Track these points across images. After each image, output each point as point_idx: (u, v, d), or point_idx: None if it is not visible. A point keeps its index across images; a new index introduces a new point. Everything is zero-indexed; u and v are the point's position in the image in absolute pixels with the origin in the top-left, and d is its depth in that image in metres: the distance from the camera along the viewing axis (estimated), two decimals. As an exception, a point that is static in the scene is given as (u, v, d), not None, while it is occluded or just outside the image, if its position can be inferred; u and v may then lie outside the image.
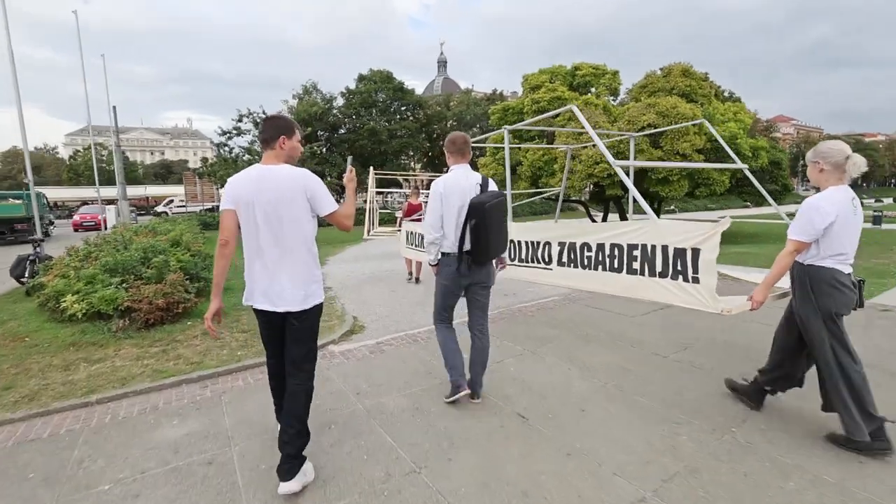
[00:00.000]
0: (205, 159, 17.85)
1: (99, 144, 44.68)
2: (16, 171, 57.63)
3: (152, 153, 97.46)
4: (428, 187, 6.79)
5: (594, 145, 14.26)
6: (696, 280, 2.89)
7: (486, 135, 7.69)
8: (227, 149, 17.19)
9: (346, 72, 40.25)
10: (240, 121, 16.88)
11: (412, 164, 38.47)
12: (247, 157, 17.20)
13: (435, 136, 37.79)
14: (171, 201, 38.66)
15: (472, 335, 3.03)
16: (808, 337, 2.48)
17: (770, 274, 2.54)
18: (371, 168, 10.76)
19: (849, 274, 2.40)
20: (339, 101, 32.81)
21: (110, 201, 31.10)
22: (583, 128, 4.07)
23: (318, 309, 2.24)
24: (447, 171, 2.96)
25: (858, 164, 2.34)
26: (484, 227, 2.69)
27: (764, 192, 4.76)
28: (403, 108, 35.01)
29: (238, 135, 16.97)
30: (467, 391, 2.96)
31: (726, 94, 18.87)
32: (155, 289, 5.10)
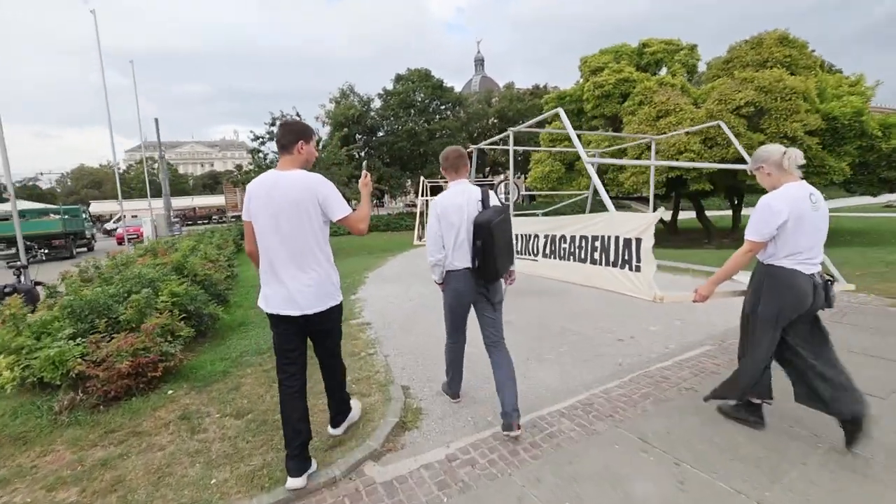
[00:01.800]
0: (239, 166, 16.77)
1: (150, 158, 46.09)
2: (80, 187, 61.11)
3: (202, 165, 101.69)
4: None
5: (675, 130, 11.95)
6: (637, 269, 3.12)
7: (535, 119, 6.75)
8: (261, 155, 16.03)
9: (384, 80, 39.80)
10: (272, 125, 15.72)
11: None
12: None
13: (476, 134, 35.96)
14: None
15: (490, 354, 2.85)
16: (751, 331, 2.51)
17: (720, 270, 2.56)
18: (422, 177, 9.20)
19: (811, 275, 2.34)
20: (377, 104, 31.68)
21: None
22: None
23: (338, 308, 2.40)
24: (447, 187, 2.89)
25: (794, 157, 2.36)
26: (491, 245, 2.60)
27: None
28: (443, 108, 33.43)
29: (271, 139, 15.73)
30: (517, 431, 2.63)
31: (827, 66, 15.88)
32: (119, 345, 3.55)
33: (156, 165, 51.81)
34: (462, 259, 2.73)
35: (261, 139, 15.90)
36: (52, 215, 17.34)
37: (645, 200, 17.77)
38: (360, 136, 29.85)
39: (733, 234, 16.03)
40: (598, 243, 3.52)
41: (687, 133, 11.59)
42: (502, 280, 2.86)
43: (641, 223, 3.10)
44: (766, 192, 2.43)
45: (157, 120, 27.26)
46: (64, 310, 4.09)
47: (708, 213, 16.25)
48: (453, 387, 3.21)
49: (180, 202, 49.77)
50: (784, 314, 2.36)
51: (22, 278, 6.00)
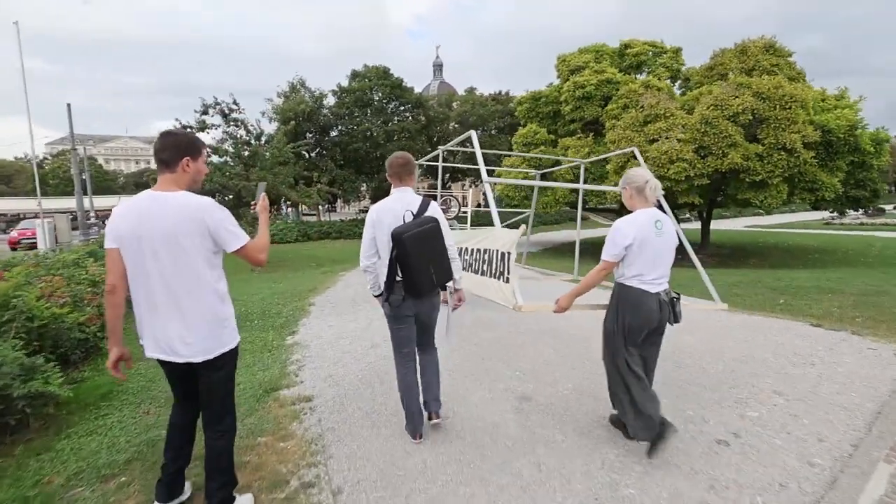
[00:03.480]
0: (161, 161, 13.99)
1: (66, 152, 40.83)
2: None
3: (137, 162, 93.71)
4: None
5: (668, 137, 10.85)
6: (507, 280, 3.39)
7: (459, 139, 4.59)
8: (189, 148, 13.34)
9: (341, 79, 37.39)
10: (205, 113, 13.17)
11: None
12: (213, 157, 13.43)
13: (436, 139, 34.41)
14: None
15: (419, 355, 2.88)
16: (604, 345, 2.74)
17: (578, 286, 2.74)
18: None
19: (656, 293, 2.50)
20: (331, 100, 29.35)
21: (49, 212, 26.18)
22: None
23: (230, 355, 2.00)
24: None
25: (655, 187, 2.51)
26: (404, 257, 2.46)
27: None
28: (402, 109, 31.61)
29: (202, 129, 13.18)
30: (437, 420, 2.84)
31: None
32: None
33: (79, 159, 46.16)
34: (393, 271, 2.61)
35: (189, 129, 13.31)
36: None
37: (610, 211, 16.86)
38: (310, 135, 27.38)
39: (704, 250, 15.34)
40: (486, 255, 3.80)
41: (679, 140, 10.52)
42: (441, 296, 2.85)
43: (509, 238, 3.40)
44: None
45: (69, 105, 23.55)
46: None
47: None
48: (413, 423, 2.80)
49: (105, 201, 44.54)
50: (634, 329, 2.56)
51: None
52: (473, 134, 4.79)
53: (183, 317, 1.85)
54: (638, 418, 2.49)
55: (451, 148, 7.48)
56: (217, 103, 13.97)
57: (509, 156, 14.82)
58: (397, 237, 2.46)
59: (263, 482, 2.39)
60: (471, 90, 35.53)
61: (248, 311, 6.59)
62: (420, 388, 2.83)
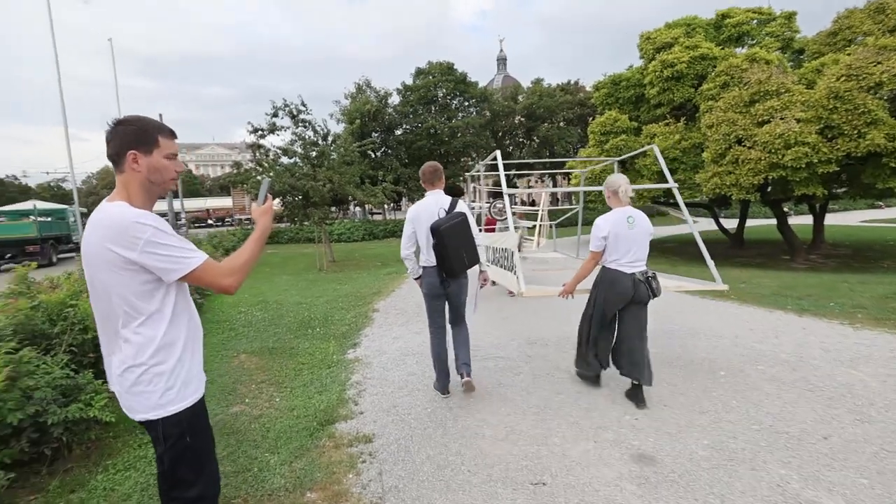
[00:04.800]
0: (237, 164, 14.50)
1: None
2: (101, 188, 60.63)
3: (222, 167, 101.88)
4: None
5: (783, 118, 9.17)
6: (514, 271, 4.04)
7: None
8: (261, 151, 13.71)
9: (405, 78, 37.48)
10: (275, 115, 13.34)
11: (476, 165, 34.29)
12: (283, 158, 13.61)
13: (501, 133, 33.45)
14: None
15: (452, 329, 3.47)
16: (585, 309, 3.44)
17: (577, 273, 3.37)
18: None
19: (631, 274, 3.10)
20: (395, 99, 29.43)
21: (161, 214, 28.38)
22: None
23: (170, 426, 1.41)
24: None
25: (626, 191, 3.16)
26: (442, 246, 3.06)
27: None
28: (466, 104, 31.00)
29: (272, 132, 13.36)
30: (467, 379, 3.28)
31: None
32: None
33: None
34: (431, 257, 3.20)
35: (260, 132, 13.58)
36: (30, 217, 15.39)
37: (722, 203, 14.86)
38: (376, 134, 27.60)
39: (817, 250, 13.07)
40: (503, 252, 4.68)
41: (798, 120, 8.83)
42: (470, 276, 3.40)
43: (513, 240, 4.32)
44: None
45: (160, 116, 25.58)
46: None
47: (752, 222, 13.32)
48: (441, 382, 3.39)
49: (194, 203, 48.55)
50: (609, 300, 3.19)
51: None
52: (498, 153, 5.37)
53: (118, 365, 1.42)
54: (588, 358, 3.40)
55: (476, 174, 8.68)
56: (286, 105, 14.09)
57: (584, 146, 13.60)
58: (435, 229, 3.09)
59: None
60: (537, 81, 34.04)
61: (310, 315, 6.27)
62: (451, 355, 3.43)
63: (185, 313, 1.47)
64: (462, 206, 3.25)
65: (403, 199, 32.65)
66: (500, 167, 4.89)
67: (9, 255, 14.21)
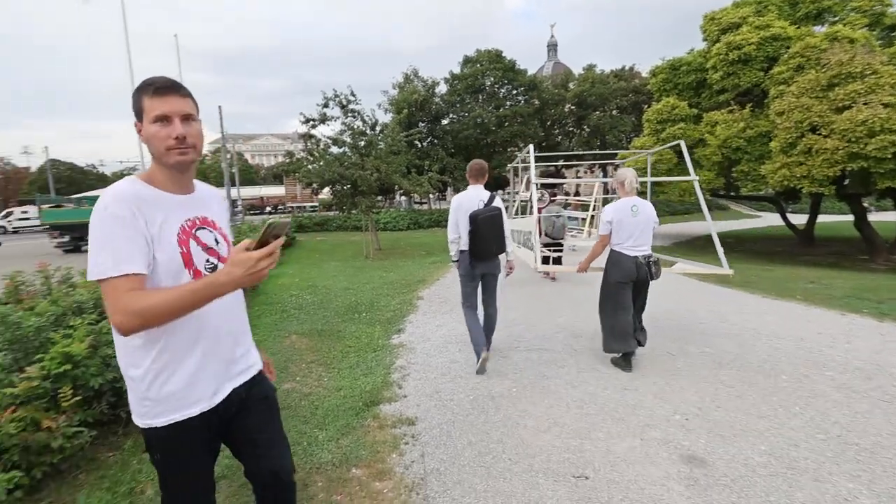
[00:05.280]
0: (290, 153, 15.06)
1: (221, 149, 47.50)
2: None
3: (275, 157, 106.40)
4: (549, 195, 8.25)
5: (867, 103, 8.34)
6: (531, 248, 5.53)
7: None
8: (313, 140, 14.16)
9: (453, 68, 37.18)
10: (325, 105, 13.68)
11: (517, 157, 33.69)
12: (333, 148, 13.98)
13: (550, 122, 32.62)
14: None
15: (484, 309, 3.88)
16: (601, 288, 3.77)
17: (589, 254, 3.85)
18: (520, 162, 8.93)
19: (634, 256, 3.51)
20: (442, 88, 29.39)
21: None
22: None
23: (145, 435, 1.25)
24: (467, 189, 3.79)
25: (633, 182, 3.60)
26: (477, 233, 3.52)
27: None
28: (514, 93, 30.43)
29: (323, 122, 13.73)
30: (486, 354, 3.61)
31: None
32: None
33: (228, 156, 53.70)
34: (467, 241, 3.63)
35: (312, 122, 14.00)
36: (88, 204, 16.78)
37: (791, 197, 13.70)
38: (423, 124, 27.73)
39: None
40: (526, 234, 6.34)
41: (886, 105, 7.99)
42: (500, 261, 3.78)
43: (530, 222, 5.69)
44: None
45: (220, 108, 26.97)
46: None
47: (825, 218, 12.13)
48: (478, 344, 3.67)
49: (249, 192, 51.03)
50: (616, 281, 3.60)
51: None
52: (531, 148, 6.16)
53: None
54: (610, 336, 3.65)
55: (516, 165, 10.04)
56: (336, 95, 14.39)
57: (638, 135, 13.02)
58: (473, 218, 3.54)
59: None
60: (589, 67, 32.82)
61: (357, 301, 6.46)
62: (482, 329, 3.81)
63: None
64: (498, 201, 3.70)
65: (448, 188, 32.72)
66: (532, 162, 5.90)
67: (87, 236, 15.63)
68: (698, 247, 14.08)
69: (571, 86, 32.40)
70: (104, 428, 2.77)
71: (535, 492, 2.17)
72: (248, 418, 1.38)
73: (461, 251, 3.69)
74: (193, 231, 1.23)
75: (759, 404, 2.99)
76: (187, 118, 1.17)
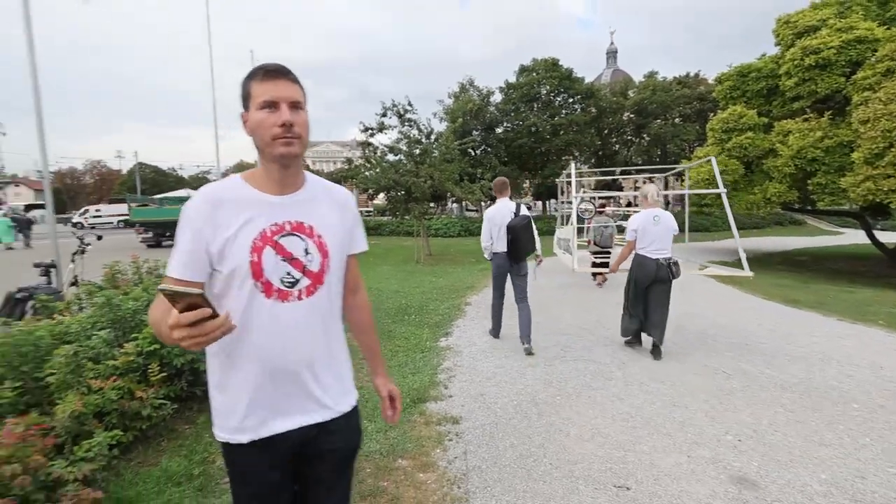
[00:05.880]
0: (349, 160, 15.78)
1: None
2: (236, 180, 70.00)
3: (334, 163, 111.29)
4: (601, 207, 9.15)
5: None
6: (570, 253, 6.99)
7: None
8: (370, 148, 14.79)
9: (512, 75, 37.15)
10: (384, 115, 14.24)
11: (578, 164, 32.98)
12: (389, 156, 14.49)
13: (607, 131, 31.78)
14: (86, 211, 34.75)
15: (517, 307, 4.46)
16: (627, 290, 4.38)
17: (618, 257, 4.53)
18: (572, 164, 9.32)
19: (655, 259, 4.09)
20: (497, 97, 29.49)
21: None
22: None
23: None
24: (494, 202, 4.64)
25: (654, 195, 4.32)
26: (515, 238, 4.26)
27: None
28: (570, 101, 29.94)
29: (380, 130, 14.30)
30: (528, 346, 4.37)
31: None
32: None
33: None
34: (501, 246, 4.39)
35: (370, 131, 14.61)
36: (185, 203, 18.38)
37: (879, 212, 12.54)
38: (477, 132, 27.97)
39: None
40: (565, 241, 8.02)
41: None
42: (529, 262, 4.60)
43: (568, 231, 7.35)
44: None
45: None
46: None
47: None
48: (496, 331, 4.85)
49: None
50: (640, 280, 4.21)
51: (53, 280, 4.91)
52: (572, 165, 7.42)
53: None
54: (629, 323, 4.38)
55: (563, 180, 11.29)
56: (394, 105, 14.90)
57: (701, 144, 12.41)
58: (511, 227, 4.27)
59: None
60: (651, 74, 31.67)
61: (407, 303, 6.68)
62: (520, 326, 4.45)
63: (247, 320, 1.05)
64: (523, 209, 4.42)
65: (500, 197, 32.71)
66: (573, 177, 7.61)
67: (169, 233, 17.18)
68: (768, 264, 13.14)
69: (631, 93, 31.40)
70: (182, 403, 3.10)
71: (575, 497, 2.21)
72: (312, 467, 1.18)
73: (494, 253, 4.47)
74: (276, 238, 1.06)
75: (822, 431, 2.82)
76: (295, 105, 1.06)
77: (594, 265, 7.60)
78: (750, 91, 12.06)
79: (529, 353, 4.29)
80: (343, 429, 1.19)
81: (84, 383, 2.45)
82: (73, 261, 5.49)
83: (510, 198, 4.63)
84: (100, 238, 6.24)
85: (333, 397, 1.16)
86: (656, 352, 4.16)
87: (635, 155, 31.43)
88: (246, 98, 1.08)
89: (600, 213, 8.72)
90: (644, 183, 32.25)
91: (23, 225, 18.06)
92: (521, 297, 4.46)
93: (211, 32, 15.39)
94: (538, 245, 4.60)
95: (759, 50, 14.73)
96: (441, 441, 2.74)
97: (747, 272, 5.55)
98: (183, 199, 19.97)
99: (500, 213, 4.39)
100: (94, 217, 33.48)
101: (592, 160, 32.33)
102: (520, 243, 4.25)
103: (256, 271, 1.04)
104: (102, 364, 2.65)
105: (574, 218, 6.86)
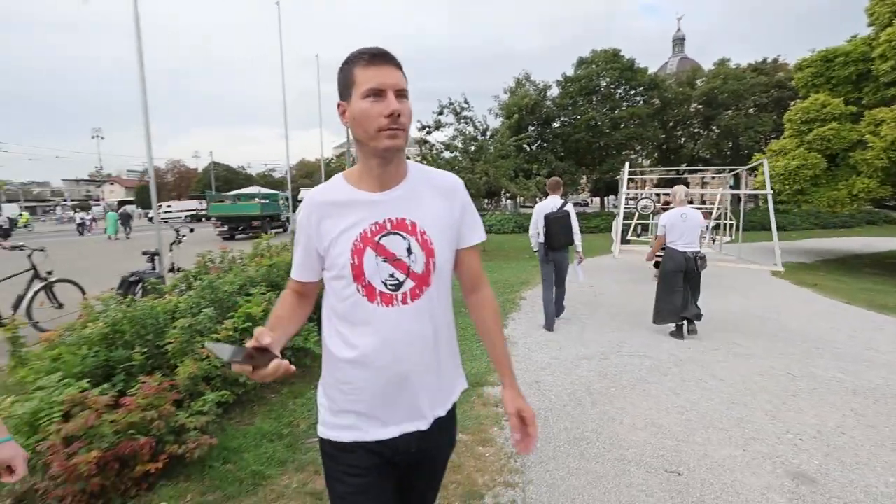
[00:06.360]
0: (406, 157, 16.19)
1: (344, 153, 52.45)
2: (298, 177, 73.95)
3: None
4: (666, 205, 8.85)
5: None
6: (614, 243, 9.66)
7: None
8: (427, 145, 15.18)
9: (570, 68, 35.98)
10: (440, 113, 14.56)
11: (639, 159, 31.64)
12: (445, 153, 14.81)
13: (672, 123, 30.21)
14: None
15: (556, 287, 5.13)
16: (660, 280, 4.84)
17: (653, 248, 5.39)
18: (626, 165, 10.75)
19: (684, 252, 4.59)
20: (554, 91, 28.92)
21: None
22: None
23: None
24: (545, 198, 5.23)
25: (683, 196, 4.93)
26: (549, 229, 4.86)
27: None
28: (632, 93, 28.76)
29: (437, 128, 14.64)
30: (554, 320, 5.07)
31: None
32: (89, 418, 2.17)
33: (352, 159, 59.00)
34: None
35: (427, 129, 14.98)
36: (256, 199, 19.80)
37: None
38: (532, 128, 27.64)
39: None
40: (615, 233, 9.70)
41: None
42: (572, 257, 5.18)
43: (618, 224, 9.63)
44: None
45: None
46: (108, 329, 3.00)
47: None
48: (549, 324, 5.04)
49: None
50: (670, 270, 4.67)
51: (156, 266, 5.64)
52: (626, 166, 8.15)
53: None
54: (663, 312, 4.73)
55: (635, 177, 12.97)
56: (451, 103, 15.16)
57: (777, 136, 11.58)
58: (546, 217, 4.89)
59: (459, 488, 2.26)
60: (722, 62, 29.66)
61: (462, 297, 6.90)
62: (554, 302, 5.11)
63: (353, 323, 1.04)
64: (568, 206, 4.97)
65: (555, 193, 32.16)
66: (625, 176, 9.70)
67: (241, 227, 18.62)
68: (854, 267, 12.06)
69: (699, 83, 29.58)
70: (269, 376, 3.53)
71: (626, 477, 2.33)
72: (407, 473, 1.14)
73: (540, 243, 5.02)
74: (377, 238, 1.02)
75: (896, 437, 2.72)
76: (401, 94, 0.99)
77: (657, 264, 7.60)
78: (836, 77, 11.08)
79: (550, 325, 5.02)
80: (439, 434, 1.12)
81: (196, 351, 2.90)
82: (171, 250, 6.27)
83: (562, 196, 5.12)
84: (192, 231, 7.03)
85: (436, 406, 1.11)
86: (692, 328, 4.68)
87: (703, 148, 29.63)
88: (346, 86, 1.00)
89: (665, 209, 8.67)
90: (713, 179, 30.21)
91: (124, 219, 20.75)
92: (560, 282, 5.14)
93: (283, 44, 16.39)
94: (578, 241, 4.98)
95: (847, 32, 13.37)
96: (498, 421, 2.94)
97: (778, 266, 7.73)
98: (253, 196, 21.49)
99: (547, 208, 4.97)
100: (165, 212, 36.71)
101: (655, 154, 30.90)
102: (552, 232, 4.81)
103: (358, 274, 1.01)
104: (207, 336, 3.10)
105: (621, 210, 8.75)
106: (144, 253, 5.62)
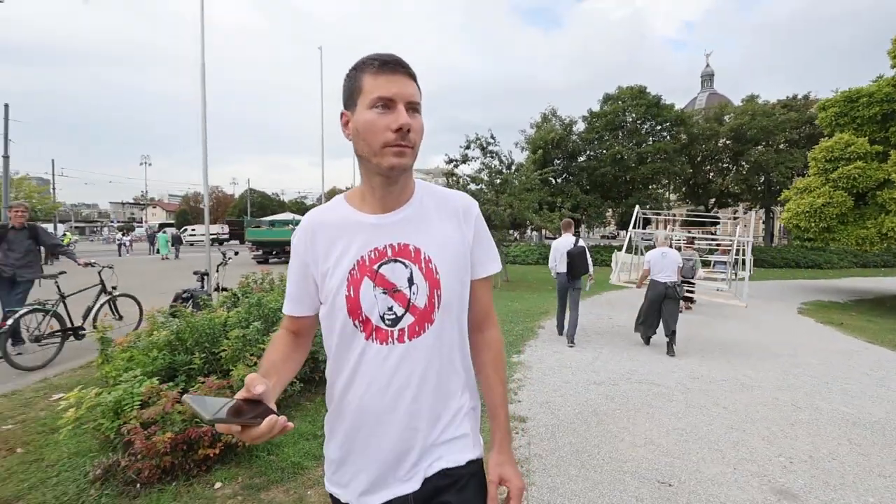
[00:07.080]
0: (432, 189, 16.85)
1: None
2: (328, 204, 76.39)
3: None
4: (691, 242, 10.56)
5: None
6: (617, 274, 11.01)
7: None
8: (454, 178, 15.83)
9: (596, 103, 36.64)
10: (467, 147, 15.27)
11: (666, 193, 31.55)
12: (471, 185, 15.39)
13: (700, 158, 30.18)
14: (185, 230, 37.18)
15: (569, 313, 6.06)
16: (643, 305, 6.05)
17: (640, 278, 6.63)
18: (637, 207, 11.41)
19: (663, 283, 5.73)
20: (580, 126, 29.53)
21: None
22: None
23: None
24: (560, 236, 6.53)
25: (661, 240, 6.97)
26: (573, 262, 5.93)
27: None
28: (658, 128, 29.06)
29: (464, 162, 15.31)
30: (570, 343, 5.94)
31: None
32: (166, 406, 2.62)
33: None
34: (562, 267, 6.07)
35: (454, 162, 15.67)
36: (290, 226, 20.83)
37: None
38: (558, 161, 28.17)
39: None
40: (619, 265, 11.36)
41: None
42: (584, 279, 6.24)
43: (623, 257, 11.41)
44: None
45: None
46: (174, 335, 3.51)
47: None
48: (560, 328, 6.43)
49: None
50: (652, 297, 5.82)
51: (205, 285, 6.25)
52: (637, 209, 9.50)
53: None
54: (641, 326, 6.03)
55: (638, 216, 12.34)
56: (478, 138, 15.84)
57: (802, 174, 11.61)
58: (570, 253, 5.94)
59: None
60: (750, 98, 29.71)
61: (483, 323, 7.23)
62: (567, 322, 6.10)
63: (341, 362, 0.93)
64: (581, 241, 6.06)
65: (582, 225, 32.33)
66: (636, 215, 10.64)
67: (275, 251, 19.58)
68: (887, 307, 11.72)
69: (727, 118, 29.63)
70: (304, 385, 3.95)
71: (621, 485, 2.60)
72: None
73: (557, 273, 6.18)
74: (375, 266, 0.91)
75: (885, 465, 2.88)
76: (412, 107, 0.89)
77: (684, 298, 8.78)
78: (861, 117, 11.15)
79: (571, 345, 5.84)
80: (456, 484, 0.96)
81: (247, 359, 3.36)
82: (217, 271, 6.90)
83: (573, 234, 6.32)
84: (237, 254, 7.69)
85: (443, 457, 0.96)
86: (670, 349, 5.51)
87: (733, 184, 29.39)
88: (352, 93, 0.90)
89: (688, 247, 10.02)
90: (743, 214, 29.67)
91: (175, 240, 22.63)
92: (574, 305, 6.10)
93: (323, 84, 17.64)
94: (591, 268, 6.13)
95: (874, 71, 13.41)
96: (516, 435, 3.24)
97: (740, 303, 8.48)
98: (287, 222, 22.61)
99: (563, 244, 6.14)
100: (191, 235, 38.41)
101: (683, 188, 30.79)
102: (575, 265, 5.92)
103: (353, 308, 0.89)
104: (255, 347, 3.56)
105: (625, 245, 11.36)
106: (195, 273, 6.24)
